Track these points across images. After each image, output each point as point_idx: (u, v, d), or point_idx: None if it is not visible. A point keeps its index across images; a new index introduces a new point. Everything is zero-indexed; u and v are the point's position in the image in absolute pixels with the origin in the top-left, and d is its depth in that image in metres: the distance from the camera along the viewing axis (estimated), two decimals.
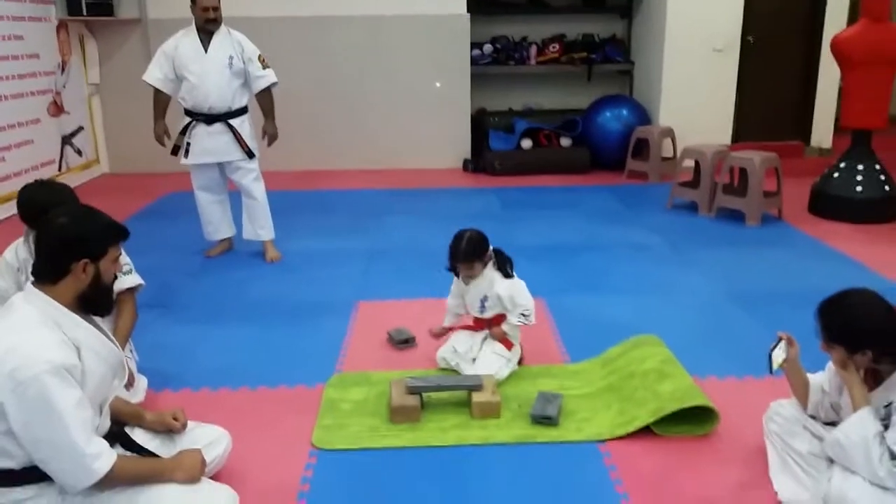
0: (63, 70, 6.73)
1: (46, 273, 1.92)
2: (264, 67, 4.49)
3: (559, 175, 7.10)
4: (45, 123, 6.39)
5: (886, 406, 2.12)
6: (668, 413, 2.63)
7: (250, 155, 4.56)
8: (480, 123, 7.55)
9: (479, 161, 7.40)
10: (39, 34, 6.36)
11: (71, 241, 1.91)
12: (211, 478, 2.24)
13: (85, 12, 6.65)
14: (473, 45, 7.52)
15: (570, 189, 6.66)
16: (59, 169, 6.59)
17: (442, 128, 7.52)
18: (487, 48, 7.74)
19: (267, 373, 3.18)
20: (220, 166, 4.60)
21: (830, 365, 2.30)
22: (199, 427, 2.38)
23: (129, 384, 2.76)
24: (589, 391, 2.95)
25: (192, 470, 2.04)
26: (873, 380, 2.20)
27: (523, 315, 3.09)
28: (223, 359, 3.35)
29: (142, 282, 3.00)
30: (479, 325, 3.23)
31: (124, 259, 2.90)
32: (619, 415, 2.75)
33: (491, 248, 3.11)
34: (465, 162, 7.52)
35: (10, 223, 5.51)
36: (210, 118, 4.44)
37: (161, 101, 4.50)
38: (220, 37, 4.40)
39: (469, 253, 3.04)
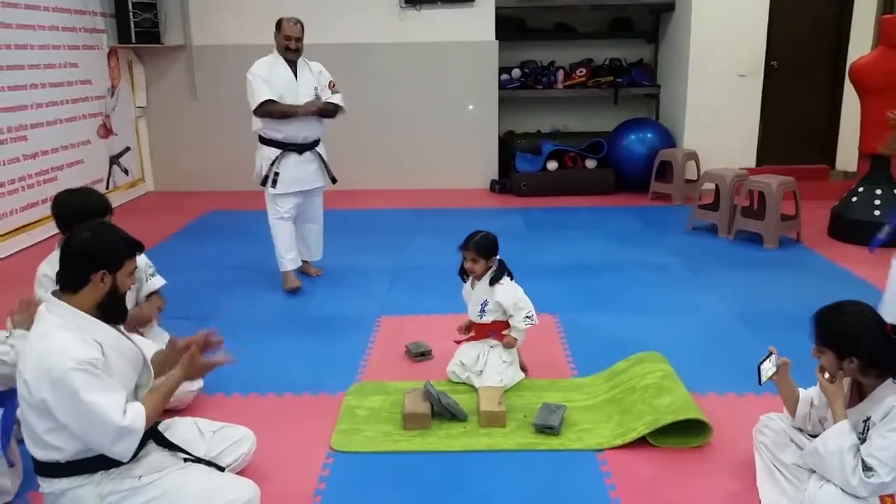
0: (112, 94, 7.13)
1: (69, 282, 2.13)
2: (334, 93, 4.61)
3: (584, 196, 7.26)
4: (94, 144, 6.78)
5: (865, 420, 2.25)
6: (663, 425, 2.78)
7: (334, 180, 4.73)
8: (508, 145, 7.75)
9: (506, 182, 7.60)
10: (92, 61, 6.77)
11: (92, 254, 2.12)
12: (236, 473, 2.47)
13: (134, 40, 7.06)
14: (502, 70, 7.76)
15: (593, 210, 6.82)
16: (107, 187, 6.96)
17: (470, 150, 7.75)
18: (516, 72, 7.95)
19: (293, 381, 3.42)
20: (302, 194, 4.66)
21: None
22: (227, 427, 2.61)
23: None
24: (592, 403, 3.12)
25: (184, 367, 2.31)
26: (858, 395, 2.34)
27: (528, 318, 3.28)
28: (254, 367, 3.58)
29: (164, 281, 3.38)
30: (480, 333, 3.39)
31: (147, 262, 3.29)
32: (617, 426, 2.91)
33: (498, 257, 3.30)
34: (493, 183, 7.73)
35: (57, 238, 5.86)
36: (301, 147, 4.56)
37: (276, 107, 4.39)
38: (302, 66, 4.51)
39: (478, 245, 3.24)
